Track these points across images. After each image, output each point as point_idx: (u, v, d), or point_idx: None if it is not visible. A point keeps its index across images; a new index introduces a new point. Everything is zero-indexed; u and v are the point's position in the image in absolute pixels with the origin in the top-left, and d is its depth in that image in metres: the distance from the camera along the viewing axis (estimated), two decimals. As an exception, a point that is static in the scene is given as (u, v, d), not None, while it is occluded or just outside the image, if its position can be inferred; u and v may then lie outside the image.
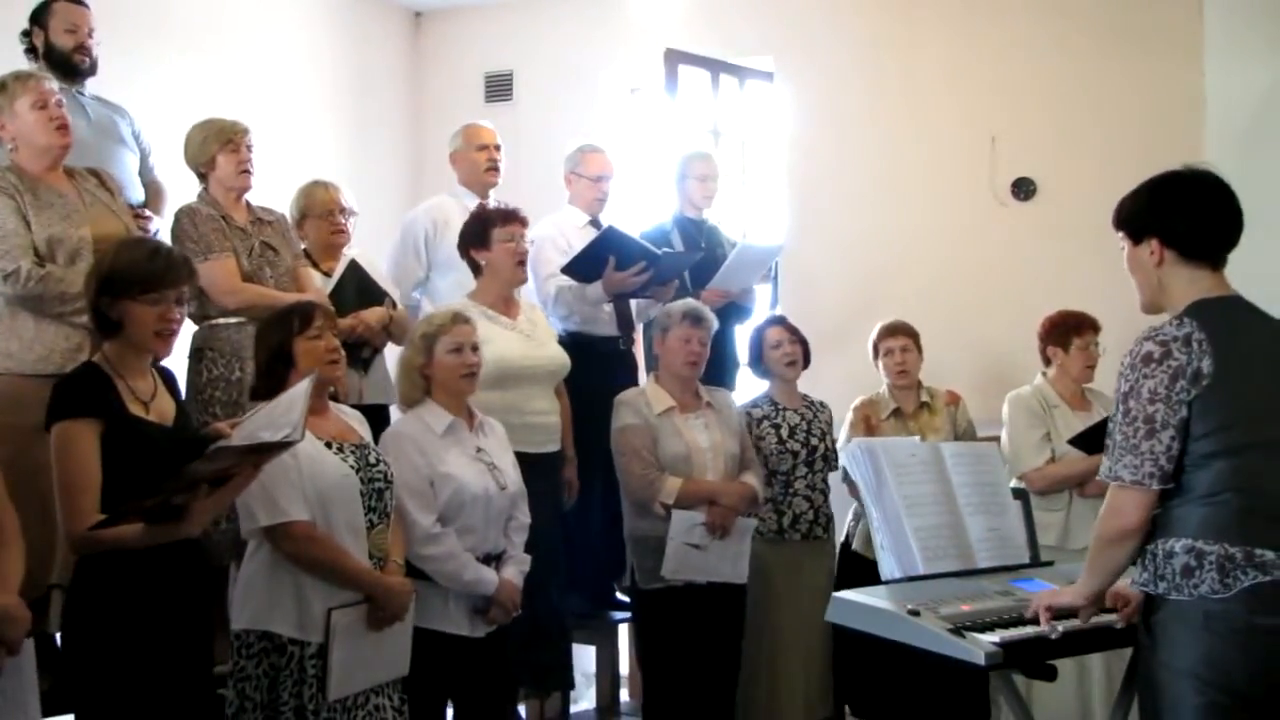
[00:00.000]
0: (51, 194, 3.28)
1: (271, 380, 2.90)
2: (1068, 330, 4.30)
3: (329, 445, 2.89)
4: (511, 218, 3.80)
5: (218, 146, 3.65)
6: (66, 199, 3.31)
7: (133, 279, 2.65)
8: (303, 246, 4.03)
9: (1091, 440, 4.06)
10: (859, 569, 4.03)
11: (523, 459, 3.44)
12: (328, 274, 3.94)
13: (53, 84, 3.38)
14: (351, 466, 2.89)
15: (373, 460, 2.96)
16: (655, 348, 3.95)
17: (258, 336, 3.04)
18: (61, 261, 3.21)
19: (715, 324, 3.98)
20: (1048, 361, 4.36)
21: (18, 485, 2.68)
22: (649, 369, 4.63)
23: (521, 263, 3.81)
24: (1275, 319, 2.42)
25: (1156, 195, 2.46)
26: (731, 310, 4.55)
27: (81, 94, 3.89)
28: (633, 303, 4.48)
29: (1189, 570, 2.24)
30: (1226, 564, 2.21)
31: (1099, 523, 2.43)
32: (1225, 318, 2.33)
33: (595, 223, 4.52)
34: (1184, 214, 2.40)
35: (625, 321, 4.49)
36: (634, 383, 4.60)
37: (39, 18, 3.88)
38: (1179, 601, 2.25)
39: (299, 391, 2.62)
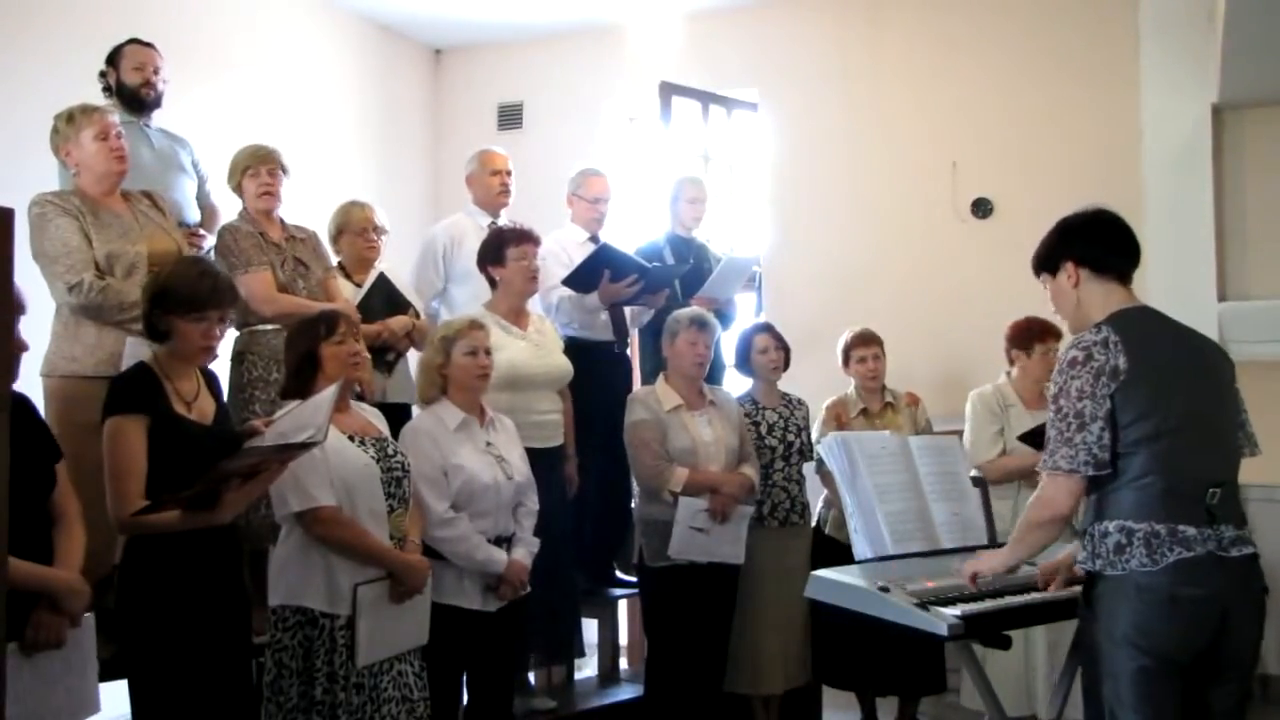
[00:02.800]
0: (110, 214, 3.28)
1: (300, 381, 2.90)
2: (1031, 336, 4.28)
3: (352, 438, 2.88)
4: (525, 238, 3.80)
5: (241, 172, 3.65)
6: (123, 219, 3.31)
7: (181, 298, 2.66)
8: (338, 260, 4.04)
9: (1036, 438, 4.05)
10: (831, 550, 4.03)
11: (530, 453, 3.43)
12: (359, 285, 3.94)
13: (114, 117, 3.37)
14: (372, 457, 2.88)
15: (391, 452, 2.96)
16: (665, 350, 3.94)
17: (287, 341, 3.03)
18: (119, 275, 3.21)
19: (719, 329, 3.99)
20: (1012, 363, 4.35)
21: (83, 476, 2.68)
22: (644, 371, 4.63)
23: (532, 279, 3.81)
24: (1181, 324, 2.46)
25: (1064, 230, 2.55)
26: (720, 319, 4.55)
27: (147, 126, 3.90)
28: (626, 311, 4.47)
29: (1120, 547, 2.26)
30: (1153, 540, 2.24)
31: (1031, 508, 2.45)
32: (1137, 323, 2.38)
33: (594, 239, 4.51)
34: (1090, 238, 2.50)
35: (620, 328, 4.48)
36: (628, 383, 4.59)
37: (112, 59, 3.90)
38: (1114, 576, 2.27)
39: (325, 397, 2.62)
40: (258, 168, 3.65)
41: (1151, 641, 2.22)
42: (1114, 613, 2.26)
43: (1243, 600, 2.28)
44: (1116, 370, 2.27)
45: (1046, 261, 2.53)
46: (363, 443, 2.90)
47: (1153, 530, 2.24)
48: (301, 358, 2.91)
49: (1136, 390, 2.27)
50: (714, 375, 4.41)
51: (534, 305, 4.25)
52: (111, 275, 3.20)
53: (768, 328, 4.31)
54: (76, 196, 3.26)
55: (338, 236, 4.07)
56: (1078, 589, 2.64)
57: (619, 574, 4.60)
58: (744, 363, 4.25)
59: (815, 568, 3.91)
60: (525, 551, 3.27)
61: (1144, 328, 2.37)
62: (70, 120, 3.27)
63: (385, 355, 3.85)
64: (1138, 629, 2.23)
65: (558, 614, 3.82)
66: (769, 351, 4.17)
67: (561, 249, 4.43)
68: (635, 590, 4.47)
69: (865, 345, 4.36)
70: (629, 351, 4.67)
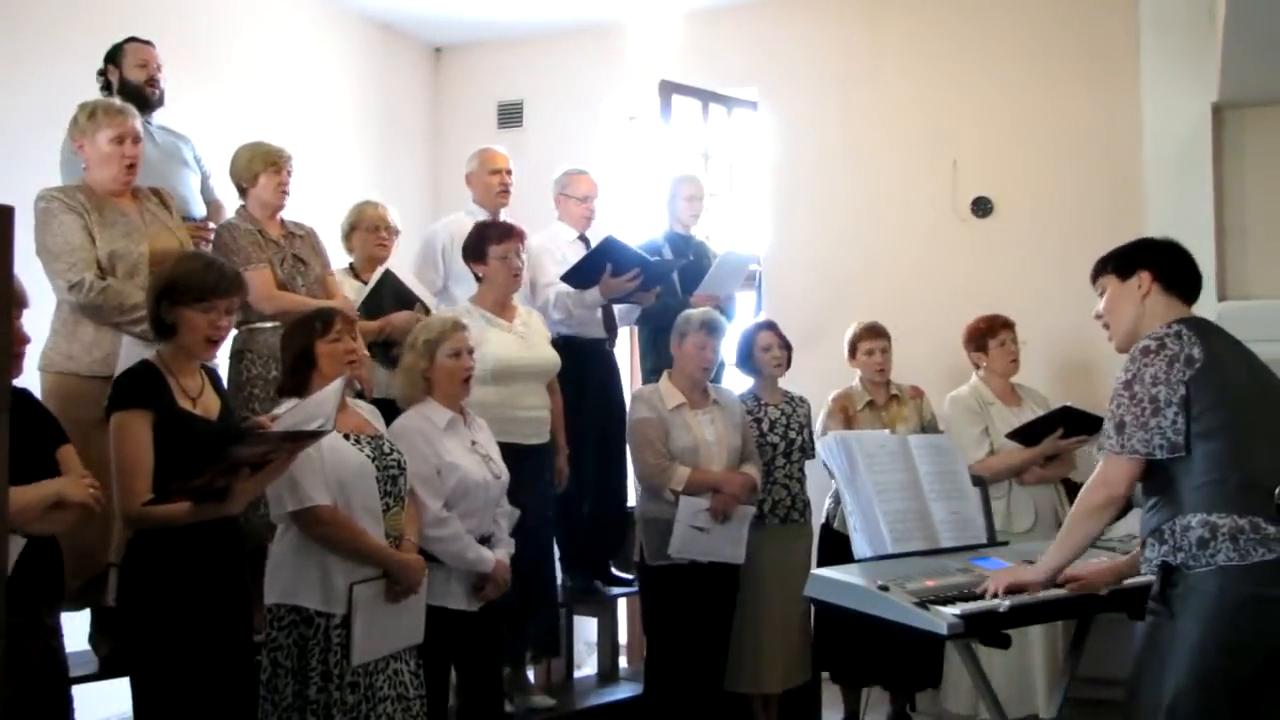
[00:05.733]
0: (115, 213, 3.26)
1: (296, 379, 2.89)
2: (982, 334, 4.33)
3: (347, 437, 2.87)
4: (506, 235, 3.78)
5: (262, 167, 3.64)
6: (129, 218, 3.28)
7: (188, 289, 2.67)
8: (349, 258, 4.05)
9: (1027, 435, 4.06)
10: (839, 545, 4.03)
11: (514, 450, 3.43)
12: (366, 284, 3.95)
13: (136, 122, 3.33)
14: (368, 455, 2.87)
15: (387, 450, 2.94)
16: (672, 349, 3.93)
17: (283, 339, 3.02)
18: (121, 275, 3.19)
19: (725, 331, 3.98)
20: (976, 366, 4.38)
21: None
22: (644, 369, 4.62)
23: (516, 275, 3.79)
24: (1235, 338, 2.49)
25: (1146, 244, 2.58)
26: (716, 316, 4.54)
27: (150, 123, 3.87)
28: (615, 307, 4.46)
29: (1204, 542, 2.25)
30: (1239, 535, 2.23)
31: (1083, 495, 2.45)
32: (1204, 326, 2.42)
33: (583, 238, 4.51)
34: (1169, 256, 2.53)
35: (610, 324, 4.48)
36: (618, 379, 4.58)
37: (114, 57, 3.88)
38: (1198, 573, 2.26)
39: (332, 389, 2.63)
40: (280, 166, 3.65)
41: (1231, 642, 2.22)
42: (1195, 612, 2.25)
43: None
44: (1192, 358, 2.31)
45: (1119, 266, 2.54)
46: (358, 441, 2.89)
47: (1236, 525, 2.24)
48: (297, 356, 2.90)
49: (1210, 380, 2.30)
50: (714, 374, 4.41)
51: (526, 302, 4.25)
52: (113, 275, 3.18)
53: (770, 326, 4.30)
54: (83, 193, 3.24)
55: (350, 233, 4.11)
56: (1072, 590, 2.65)
57: (616, 572, 4.60)
58: (746, 361, 4.24)
59: (823, 563, 3.92)
60: (505, 552, 3.28)
61: (1211, 331, 2.42)
62: (92, 115, 3.24)
63: (390, 350, 3.85)
64: (1219, 629, 2.22)
65: (536, 611, 3.81)
66: (772, 349, 4.17)
67: (555, 247, 4.43)
68: (634, 589, 4.46)
69: (873, 338, 4.37)
70: (620, 349, 4.68)
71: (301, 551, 2.78)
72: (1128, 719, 2.38)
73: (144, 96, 3.82)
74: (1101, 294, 2.57)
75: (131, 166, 3.28)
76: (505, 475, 3.28)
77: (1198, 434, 2.28)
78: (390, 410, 3.25)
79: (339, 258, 4.13)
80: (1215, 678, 2.22)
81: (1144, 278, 2.49)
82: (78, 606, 3.26)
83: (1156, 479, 2.35)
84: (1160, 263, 2.50)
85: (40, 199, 3.20)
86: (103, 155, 3.23)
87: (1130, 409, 2.33)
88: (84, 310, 3.17)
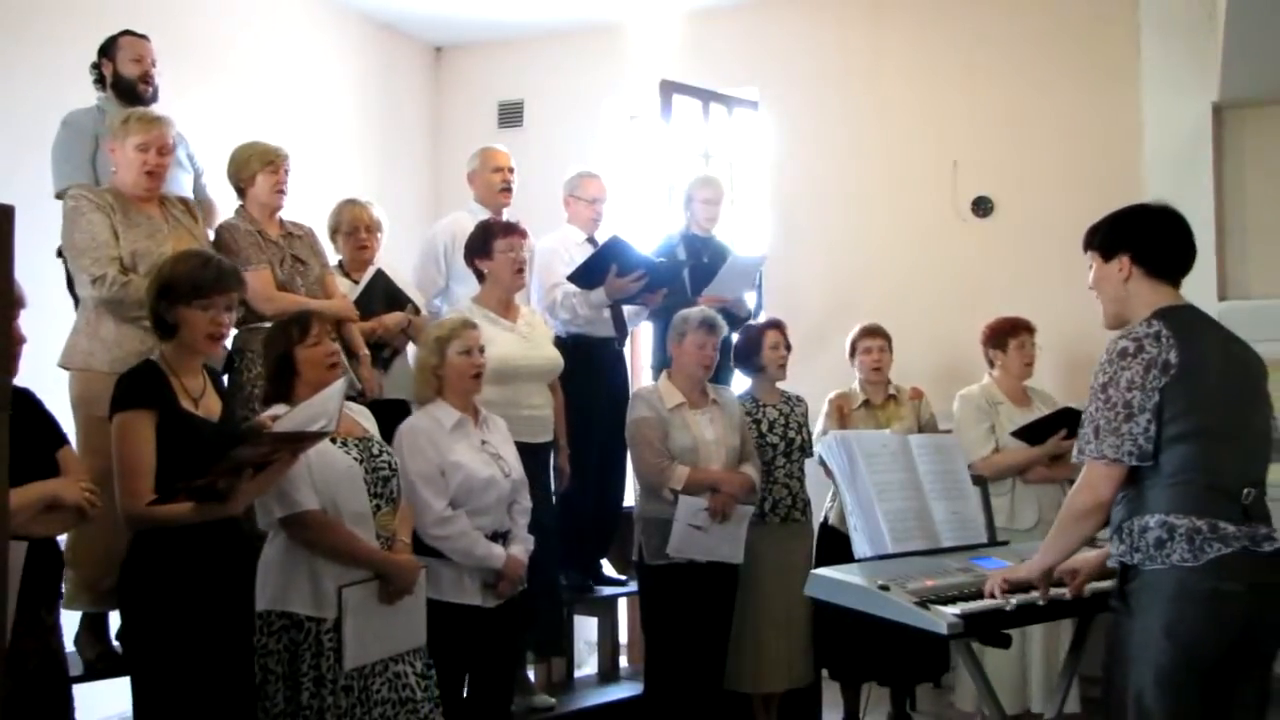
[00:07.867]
0: (140, 215, 3.33)
1: (279, 385, 2.88)
2: (1004, 334, 4.34)
3: (334, 441, 2.84)
4: (511, 230, 3.79)
5: (259, 166, 3.64)
6: (153, 220, 3.35)
7: (186, 286, 2.68)
8: (339, 259, 4.04)
9: (1032, 434, 4.07)
10: (836, 543, 4.04)
11: (519, 448, 3.42)
12: (357, 283, 3.94)
13: (167, 133, 3.38)
14: (355, 459, 2.85)
15: (376, 451, 2.93)
16: (671, 349, 3.93)
17: (264, 346, 3.01)
18: (143, 273, 3.21)
19: (725, 331, 4.00)
20: (991, 364, 4.39)
21: (101, 469, 2.67)
22: (654, 368, 4.61)
23: (520, 270, 3.79)
24: (1222, 326, 2.47)
25: (1128, 220, 2.51)
26: (729, 319, 4.52)
27: None
28: (624, 307, 4.46)
29: (1161, 542, 2.26)
30: (1195, 535, 2.24)
31: (1070, 499, 2.45)
32: (1186, 321, 2.38)
33: (591, 240, 4.51)
34: (1151, 236, 2.47)
35: (620, 325, 4.48)
36: (627, 379, 4.58)
37: (107, 50, 3.87)
38: (1153, 571, 2.27)
39: (335, 390, 2.63)
40: (277, 165, 3.65)
41: (1188, 636, 2.22)
42: (1151, 608, 2.26)
43: (1272, 596, 2.27)
44: (1168, 365, 2.28)
45: (1102, 245, 2.50)
46: (345, 445, 2.87)
47: (1194, 526, 2.24)
48: (277, 362, 2.88)
49: (1185, 386, 2.28)
50: (723, 375, 4.40)
51: (535, 303, 4.24)
52: (135, 273, 3.23)
53: (777, 324, 4.30)
54: (110, 193, 3.32)
55: (334, 235, 4.09)
56: (1067, 589, 2.64)
57: (607, 572, 4.59)
58: (747, 359, 4.24)
59: (820, 561, 3.92)
60: (522, 548, 3.28)
61: (1192, 325, 2.37)
62: (126, 121, 3.34)
63: (381, 351, 3.85)
64: (1175, 624, 2.23)
65: (542, 611, 3.81)
66: (779, 347, 4.19)
67: (563, 248, 4.43)
68: (624, 588, 4.46)
69: (870, 337, 4.42)
70: (626, 348, 4.66)
71: (290, 557, 2.76)
72: (1106, 714, 2.38)
73: (136, 92, 3.80)
74: (1090, 267, 2.54)
75: (152, 174, 3.35)
76: (517, 474, 3.29)
77: (1168, 439, 2.28)
78: (388, 411, 3.25)
79: (333, 256, 4.11)
80: (1175, 672, 2.23)
81: (1124, 261, 2.44)
82: (106, 607, 3.29)
83: (1126, 477, 2.35)
84: (1140, 244, 2.44)
85: (69, 197, 3.29)
86: (127, 160, 3.33)
87: (1104, 412, 2.32)
88: (106, 305, 3.22)
